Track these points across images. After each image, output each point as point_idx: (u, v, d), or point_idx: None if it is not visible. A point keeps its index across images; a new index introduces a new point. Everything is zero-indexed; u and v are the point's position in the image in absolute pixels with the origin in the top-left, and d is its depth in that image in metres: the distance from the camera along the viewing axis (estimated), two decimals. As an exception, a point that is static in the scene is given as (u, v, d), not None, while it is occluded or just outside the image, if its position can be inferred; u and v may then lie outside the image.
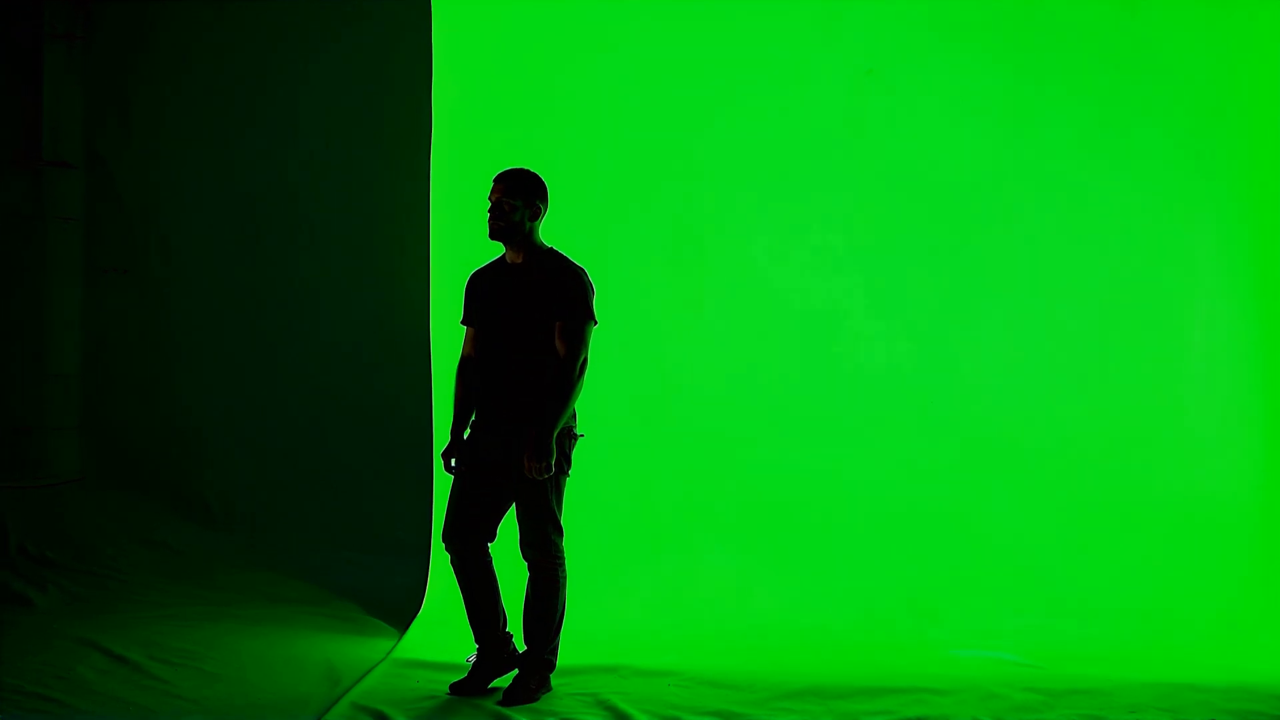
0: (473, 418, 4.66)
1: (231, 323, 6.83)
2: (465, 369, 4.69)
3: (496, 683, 4.64)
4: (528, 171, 4.63)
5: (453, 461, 4.63)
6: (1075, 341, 5.73)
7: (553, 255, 4.61)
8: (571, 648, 4.93)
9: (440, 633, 5.27)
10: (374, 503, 6.57)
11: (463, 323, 4.74)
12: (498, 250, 4.70)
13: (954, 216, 5.80)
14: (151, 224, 6.86)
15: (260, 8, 6.75)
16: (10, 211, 6.72)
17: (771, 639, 5.29)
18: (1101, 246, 5.78)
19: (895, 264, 5.78)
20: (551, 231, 5.50)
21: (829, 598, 5.56)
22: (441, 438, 5.47)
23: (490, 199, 4.58)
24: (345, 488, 6.69)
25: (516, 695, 4.47)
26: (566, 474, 4.58)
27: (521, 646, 4.68)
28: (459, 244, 5.70)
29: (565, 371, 4.46)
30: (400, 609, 5.76)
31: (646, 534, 5.73)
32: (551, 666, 4.61)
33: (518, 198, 4.56)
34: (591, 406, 5.43)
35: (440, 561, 5.45)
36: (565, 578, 4.59)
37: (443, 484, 5.18)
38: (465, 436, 4.66)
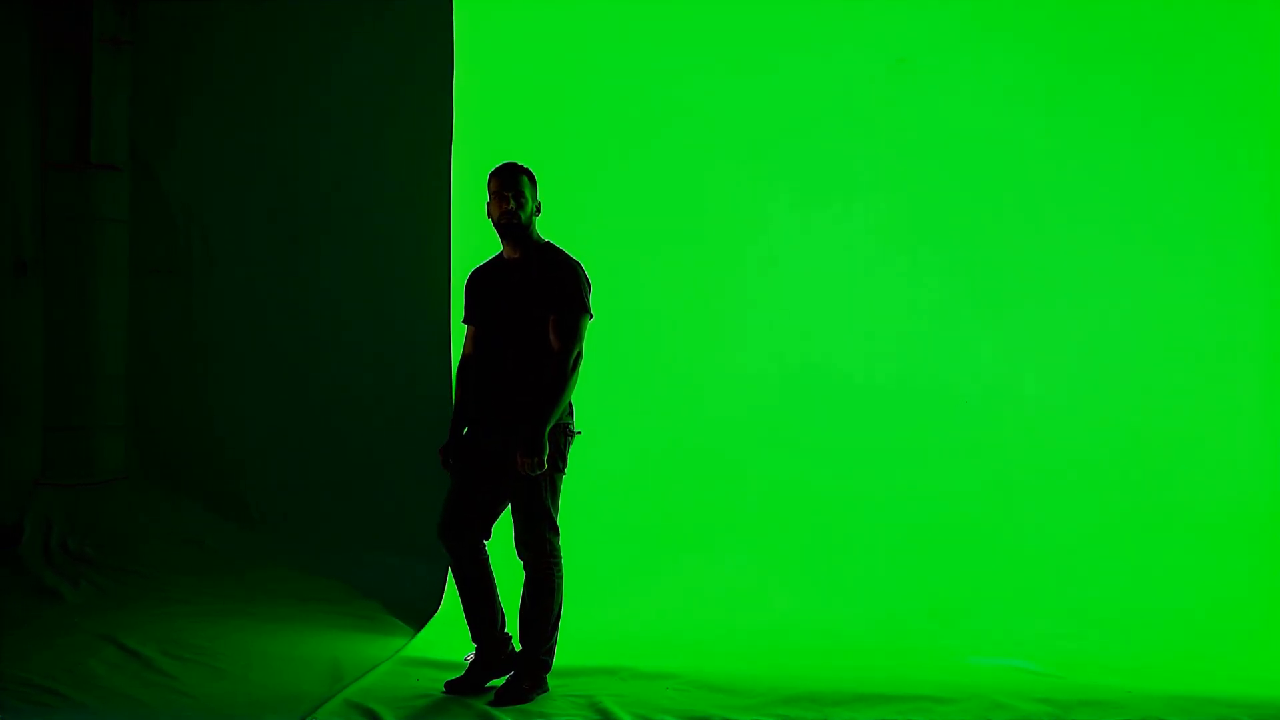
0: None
1: (269, 323, 6.89)
2: (466, 367, 4.67)
3: (494, 683, 4.59)
4: (524, 166, 4.58)
5: (450, 460, 4.61)
6: (1104, 344, 5.55)
7: (550, 249, 4.57)
8: (577, 648, 4.91)
9: (452, 633, 5.23)
10: (406, 503, 6.56)
11: (464, 321, 4.71)
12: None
13: (984, 213, 5.66)
14: (194, 225, 6.95)
15: (296, 11, 6.80)
16: (60, 213, 6.85)
17: (783, 642, 5.17)
18: (1137, 245, 5.58)
19: (920, 259, 5.65)
20: (575, 227, 5.47)
21: (846, 602, 5.44)
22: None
23: (495, 194, 4.53)
24: (378, 488, 6.70)
25: (508, 695, 4.42)
26: (562, 472, 4.52)
27: (520, 647, 4.63)
28: (479, 244, 5.67)
29: (558, 366, 4.41)
30: (421, 609, 5.74)
31: (662, 535, 5.66)
32: (547, 667, 4.55)
33: (524, 192, 4.52)
34: (606, 404, 5.42)
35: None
36: (561, 578, 4.53)
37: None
38: (464, 433, 4.63)
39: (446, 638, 5.22)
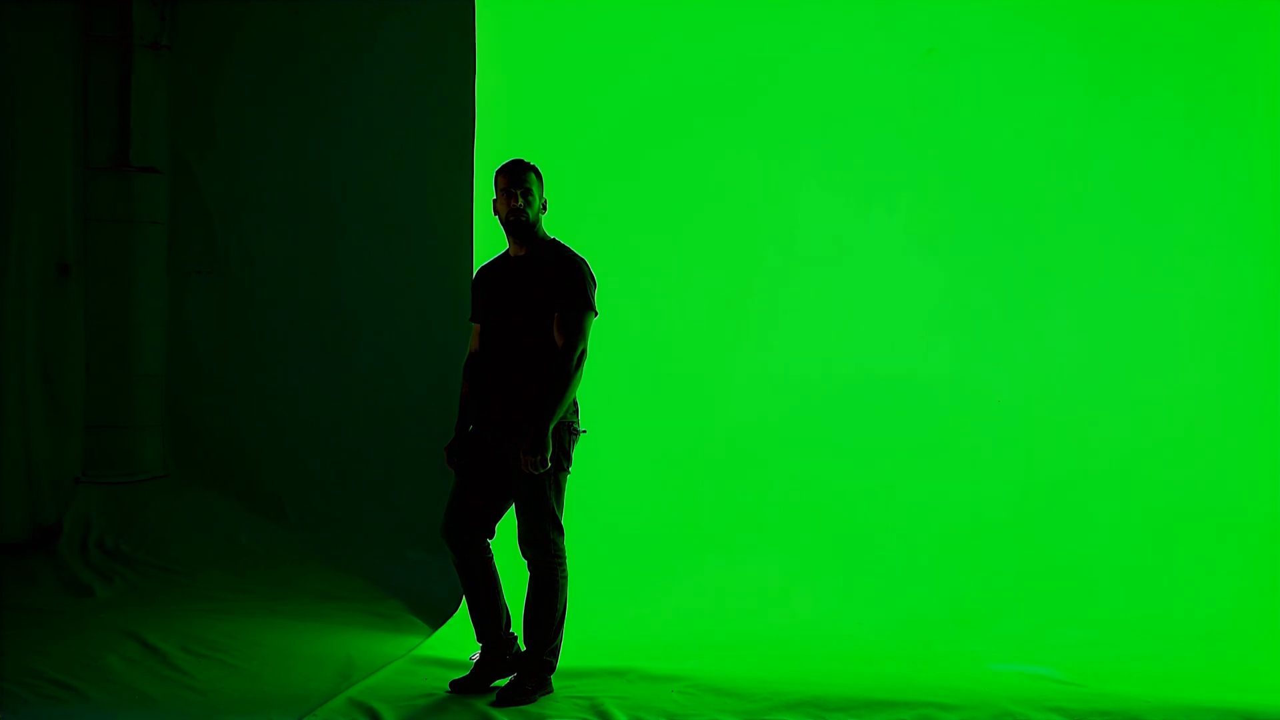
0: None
1: (304, 323, 6.94)
2: (471, 365, 4.65)
3: (499, 683, 4.57)
4: (531, 163, 4.57)
5: (455, 458, 4.60)
6: (1139, 345, 5.42)
7: (555, 246, 4.55)
8: (591, 649, 4.90)
9: (467, 632, 5.20)
10: (438, 502, 6.54)
11: (471, 319, 4.70)
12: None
13: (1012, 209, 5.55)
14: (231, 226, 7.03)
15: (325, 14, 6.85)
16: (102, 216, 6.96)
17: (802, 645, 5.10)
18: (1173, 243, 5.44)
19: (949, 255, 5.55)
20: (598, 223, 5.45)
21: (870, 605, 5.36)
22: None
23: (502, 191, 4.51)
24: (412, 487, 6.71)
25: (510, 696, 4.40)
26: (566, 471, 4.50)
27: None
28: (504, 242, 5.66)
29: (561, 363, 4.38)
30: (444, 609, 5.74)
31: (683, 535, 5.61)
32: (551, 668, 4.52)
33: (531, 189, 4.51)
34: (628, 402, 5.41)
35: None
36: (566, 578, 4.50)
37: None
38: (469, 431, 4.62)
39: (462, 637, 5.21)
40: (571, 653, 4.72)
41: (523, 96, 5.85)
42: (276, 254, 6.97)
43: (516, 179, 4.49)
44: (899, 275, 5.58)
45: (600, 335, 5.35)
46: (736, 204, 5.73)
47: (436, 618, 5.65)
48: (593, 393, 5.22)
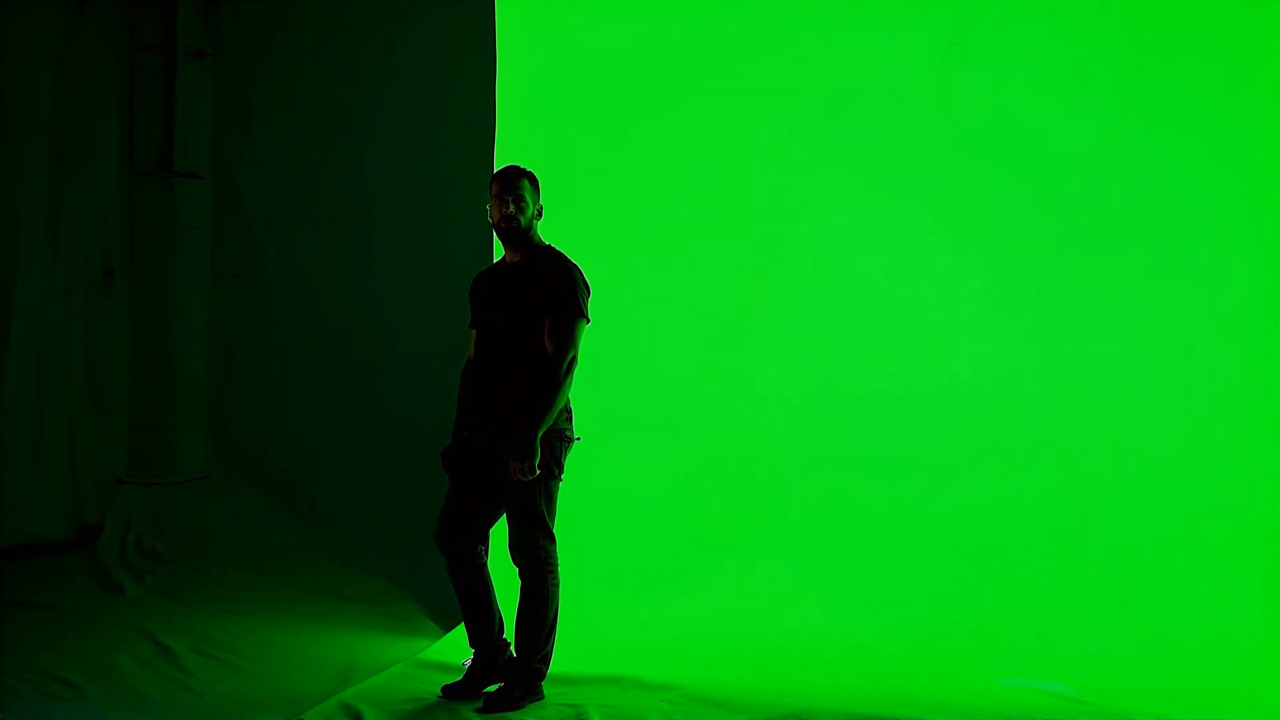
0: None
1: (340, 326, 7.01)
2: (469, 372, 4.65)
3: (491, 689, 4.55)
4: (526, 169, 4.55)
5: (450, 464, 4.61)
6: (1163, 356, 5.17)
7: (549, 252, 4.53)
8: (594, 655, 4.88)
9: (473, 637, 5.22)
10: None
11: (469, 326, 4.69)
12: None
13: (1038, 209, 5.35)
14: (271, 230, 7.12)
15: (357, 22, 6.91)
16: (147, 221, 7.09)
17: (809, 656, 5.00)
18: (1206, 247, 5.20)
19: (968, 259, 5.37)
20: (616, 228, 5.40)
21: (884, 615, 5.22)
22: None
23: (495, 198, 4.50)
24: (443, 490, 6.72)
25: (497, 703, 4.39)
26: (558, 479, 4.47)
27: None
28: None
29: (551, 370, 4.35)
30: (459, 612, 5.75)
31: (695, 542, 5.50)
32: (541, 675, 4.49)
33: (524, 196, 4.49)
34: (637, 408, 5.38)
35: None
36: (557, 585, 4.47)
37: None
38: (464, 437, 4.62)
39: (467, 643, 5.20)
40: (573, 659, 4.71)
41: (542, 100, 5.81)
42: (313, 257, 7.04)
43: (509, 185, 4.48)
44: (916, 279, 5.43)
45: (617, 338, 5.36)
46: (757, 205, 5.62)
47: (452, 623, 5.64)
48: (601, 398, 5.22)
